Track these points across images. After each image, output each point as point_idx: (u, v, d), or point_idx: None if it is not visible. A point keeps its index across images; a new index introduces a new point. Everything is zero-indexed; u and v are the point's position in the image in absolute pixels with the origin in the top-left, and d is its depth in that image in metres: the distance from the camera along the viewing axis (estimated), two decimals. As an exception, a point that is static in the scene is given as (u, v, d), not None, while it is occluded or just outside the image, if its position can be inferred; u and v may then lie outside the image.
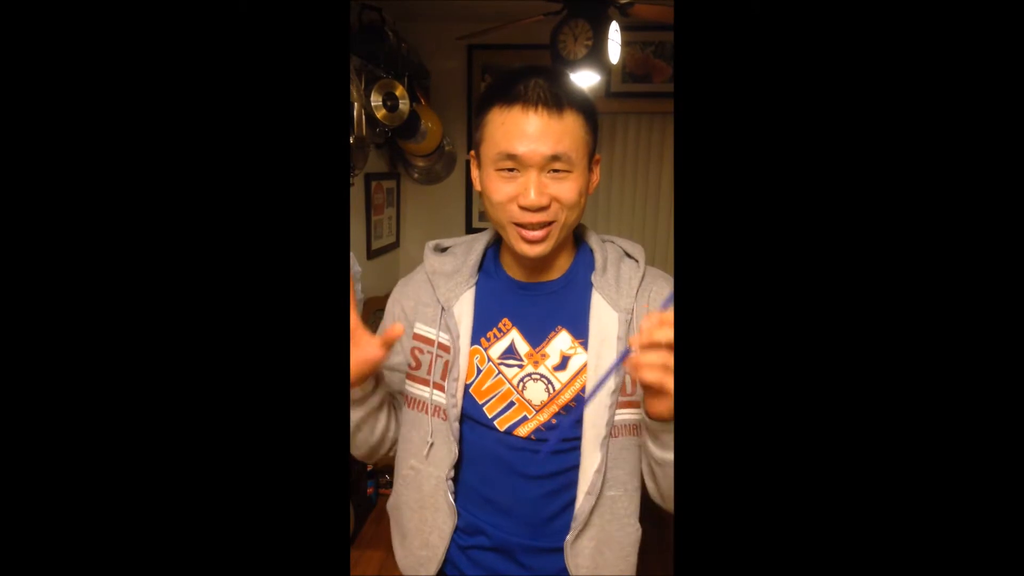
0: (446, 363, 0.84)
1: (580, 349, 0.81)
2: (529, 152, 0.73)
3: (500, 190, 0.76)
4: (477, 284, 0.87)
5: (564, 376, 0.81)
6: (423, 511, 0.87)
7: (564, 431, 0.81)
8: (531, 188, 0.74)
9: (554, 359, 0.82)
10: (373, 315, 2.18)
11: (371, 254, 2.57)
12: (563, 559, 0.84)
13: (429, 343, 0.85)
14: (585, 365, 0.81)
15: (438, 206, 3.00)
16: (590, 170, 0.80)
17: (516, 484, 0.83)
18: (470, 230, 3.00)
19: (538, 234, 0.77)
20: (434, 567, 0.87)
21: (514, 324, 0.84)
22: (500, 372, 0.82)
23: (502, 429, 0.82)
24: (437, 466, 0.84)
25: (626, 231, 2.95)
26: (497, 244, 0.91)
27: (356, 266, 1.87)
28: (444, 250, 0.93)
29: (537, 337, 0.83)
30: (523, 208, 0.75)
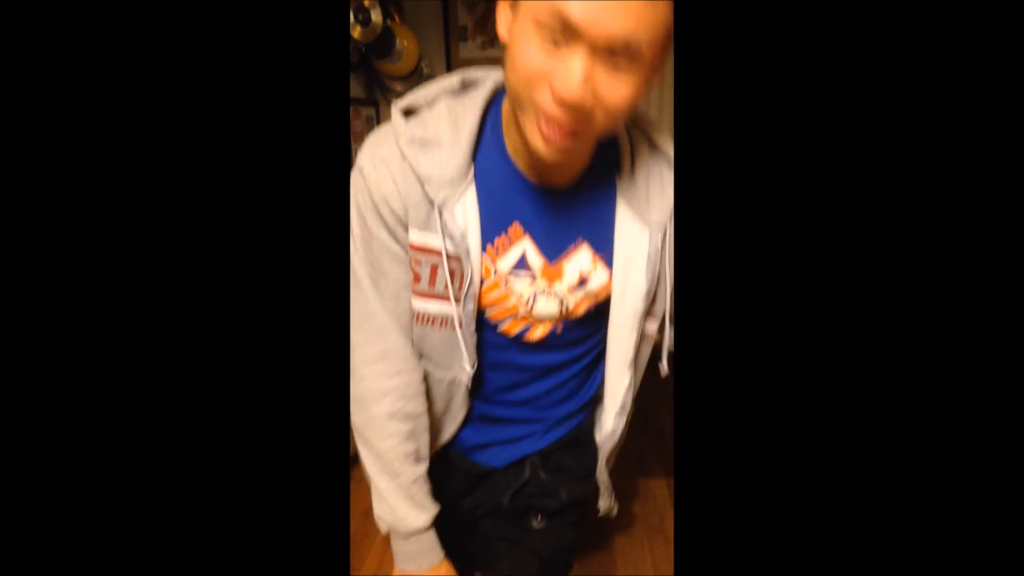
0: (452, 272, 0.69)
1: (601, 267, 0.72)
2: (592, 25, 0.50)
3: (533, 60, 0.54)
4: (476, 174, 0.68)
5: (580, 294, 0.73)
6: (437, 404, 0.82)
7: (573, 334, 0.78)
8: (576, 73, 0.52)
9: (571, 277, 0.71)
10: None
11: (354, 184, 2.49)
12: (545, 425, 0.84)
13: (427, 252, 0.69)
14: (605, 284, 0.72)
15: (420, 133, 2.90)
16: (654, 70, 0.57)
17: (515, 373, 0.81)
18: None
19: (562, 138, 0.57)
20: (441, 443, 0.86)
21: (527, 231, 0.70)
22: (508, 286, 0.71)
23: (509, 335, 0.77)
24: (454, 372, 0.78)
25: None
26: (496, 111, 0.70)
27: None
28: (414, 113, 0.70)
29: (554, 250, 0.70)
30: (556, 98, 0.54)
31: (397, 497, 0.76)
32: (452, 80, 0.72)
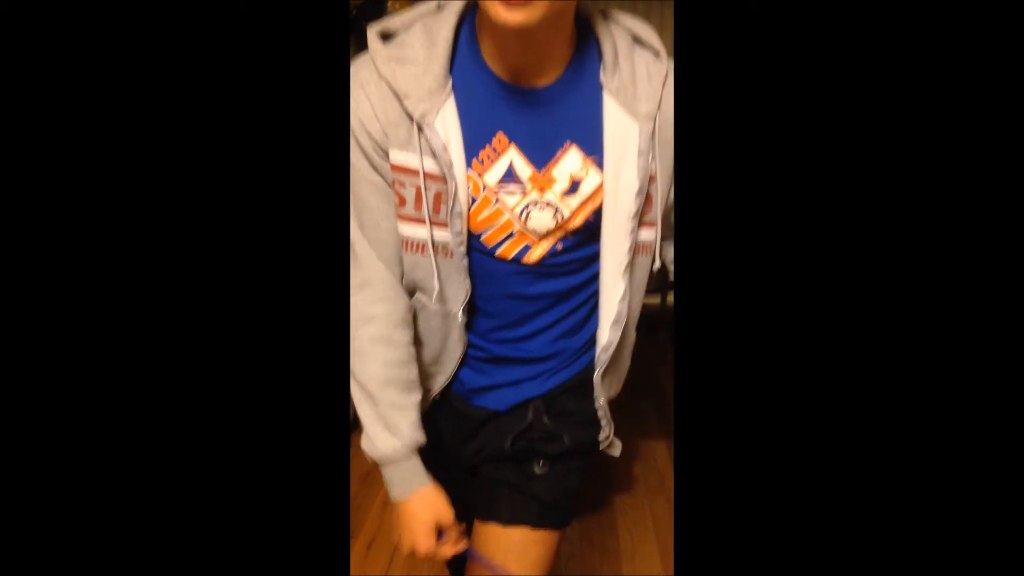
0: (437, 195, 0.69)
1: (593, 169, 0.70)
2: None
3: None
4: (454, 86, 0.67)
5: (574, 202, 0.71)
6: (432, 341, 0.80)
7: (573, 254, 0.76)
8: None
9: (563, 183, 0.70)
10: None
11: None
12: (549, 365, 0.83)
13: (411, 173, 0.68)
14: (598, 188, 0.71)
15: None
16: None
17: (516, 304, 0.79)
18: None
19: None
20: (440, 384, 0.85)
21: (512, 140, 0.68)
22: (499, 201, 0.71)
23: (506, 258, 0.75)
24: (448, 303, 0.77)
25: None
26: (471, 21, 0.69)
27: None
28: (392, 36, 0.70)
29: (542, 156, 0.69)
30: None
31: (373, 423, 0.75)
32: (429, 4, 0.72)
